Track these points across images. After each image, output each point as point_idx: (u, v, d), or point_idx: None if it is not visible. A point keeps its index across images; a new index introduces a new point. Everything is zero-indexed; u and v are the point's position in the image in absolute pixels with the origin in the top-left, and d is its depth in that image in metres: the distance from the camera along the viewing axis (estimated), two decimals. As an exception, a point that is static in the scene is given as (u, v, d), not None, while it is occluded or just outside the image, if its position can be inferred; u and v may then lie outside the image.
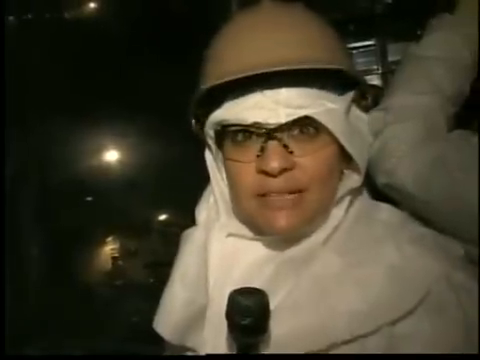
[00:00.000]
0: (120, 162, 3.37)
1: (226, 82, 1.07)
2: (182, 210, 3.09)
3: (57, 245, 3.23)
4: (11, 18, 3.16)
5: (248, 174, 1.09)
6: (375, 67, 2.81)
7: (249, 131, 1.08)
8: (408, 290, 1.03)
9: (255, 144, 1.08)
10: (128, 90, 3.06)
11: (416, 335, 1.01)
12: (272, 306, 0.98)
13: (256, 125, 1.07)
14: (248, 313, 0.89)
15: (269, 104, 1.05)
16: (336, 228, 1.12)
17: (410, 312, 1.02)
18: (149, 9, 3.11)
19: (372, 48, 2.80)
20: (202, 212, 1.22)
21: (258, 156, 1.07)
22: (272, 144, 1.06)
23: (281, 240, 1.12)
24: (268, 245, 1.13)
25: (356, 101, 1.15)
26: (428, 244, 1.08)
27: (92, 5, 3.26)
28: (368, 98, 1.17)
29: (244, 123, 1.08)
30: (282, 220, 1.07)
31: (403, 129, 1.20)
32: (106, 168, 3.38)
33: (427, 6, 1.36)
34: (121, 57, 3.06)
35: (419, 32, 1.34)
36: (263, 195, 1.08)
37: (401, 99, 1.24)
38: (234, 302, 0.90)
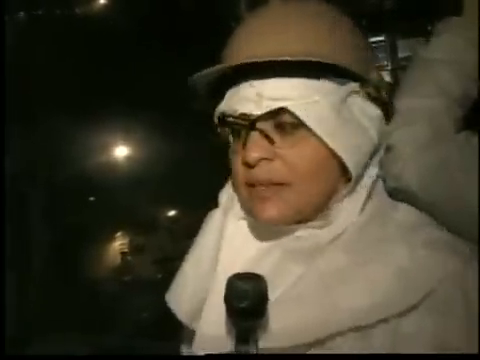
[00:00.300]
0: (128, 159, 3.38)
1: (231, 75, 1.09)
2: (190, 206, 3.10)
3: (66, 241, 3.24)
4: (21, 14, 3.16)
5: (238, 164, 1.11)
6: (385, 63, 2.80)
7: (239, 122, 1.10)
8: (412, 287, 1.03)
9: (243, 136, 1.10)
10: (136, 87, 3.07)
11: (419, 333, 1.01)
12: (275, 295, 0.99)
13: (242, 116, 1.09)
14: (245, 297, 0.91)
15: (253, 95, 1.08)
16: (348, 225, 1.11)
17: (413, 307, 1.02)
18: (157, 6, 3.12)
19: (382, 44, 2.79)
20: (224, 194, 1.23)
21: (243, 147, 1.09)
22: (253, 135, 1.08)
23: (290, 230, 1.12)
24: (277, 233, 1.14)
25: (365, 94, 1.14)
26: (441, 247, 1.08)
27: (101, 2, 3.26)
28: (381, 92, 1.16)
29: (235, 114, 1.10)
30: (266, 211, 1.10)
31: (409, 132, 1.20)
32: (114, 165, 3.38)
33: (437, 2, 1.36)
34: (129, 54, 3.07)
35: (429, 28, 1.34)
36: (251, 185, 1.10)
37: (407, 102, 1.24)
38: (232, 286, 0.94)
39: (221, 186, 1.28)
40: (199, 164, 2.96)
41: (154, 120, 3.13)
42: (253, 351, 0.88)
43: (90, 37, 3.11)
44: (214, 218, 1.21)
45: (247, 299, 0.91)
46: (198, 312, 1.14)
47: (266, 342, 0.98)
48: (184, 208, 3.23)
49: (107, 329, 3.03)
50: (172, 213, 3.31)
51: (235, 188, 1.17)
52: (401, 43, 2.79)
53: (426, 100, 1.23)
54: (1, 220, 2.50)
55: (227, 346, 1.01)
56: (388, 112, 1.18)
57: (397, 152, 1.19)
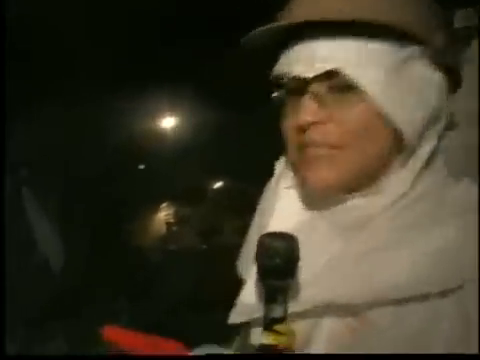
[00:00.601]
0: (175, 130, 3.38)
1: (286, 36, 1.07)
2: (236, 178, 3.09)
3: (112, 210, 3.27)
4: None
5: (290, 128, 1.09)
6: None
7: (292, 85, 1.08)
8: (453, 269, 0.99)
9: (296, 98, 1.08)
10: (182, 57, 3.05)
11: (452, 321, 0.97)
12: (317, 264, 0.97)
13: (295, 79, 1.07)
14: (275, 255, 0.90)
15: (305, 57, 1.05)
16: (398, 199, 1.08)
17: (451, 291, 0.98)
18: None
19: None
20: (280, 162, 1.22)
21: (296, 110, 1.07)
22: (306, 98, 1.05)
23: (338, 200, 1.09)
24: (325, 203, 1.11)
25: (426, 59, 1.09)
26: None
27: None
28: (446, 57, 1.11)
29: (288, 77, 1.07)
30: (316, 176, 1.06)
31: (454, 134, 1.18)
32: (161, 136, 3.39)
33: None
34: (175, 22, 3.05)
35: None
36: (304, 147, 1.08)
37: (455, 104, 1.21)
38: (263, 244, 0.93)
39: (269, 158, 1.26)
40: (247, 136, 2.94)
41: (201, 91, 3.12)
42: (281, 312, 0.87)
43: (136, 6, 3.09)
44: (269, 186, 1.21)
45: (277, 257, 0.89)
46: None
47: (297, 305, 0.95)
48: (230, 180, 3.23)
49: (150, 297, 3.06)
50: (218, 185, 3.31)
51: (287, 154, 1.15)
52: (457, 14, 2.71)
53: (462, 101, 1.20)
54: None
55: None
56: (453, 79, 1.13)
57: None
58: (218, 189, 3.26)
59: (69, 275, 2.97)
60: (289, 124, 1.08)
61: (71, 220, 3.13)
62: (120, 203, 3.23)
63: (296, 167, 1.11)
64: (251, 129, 2.77)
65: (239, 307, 1.10)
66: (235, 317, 1.09)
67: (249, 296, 1.08)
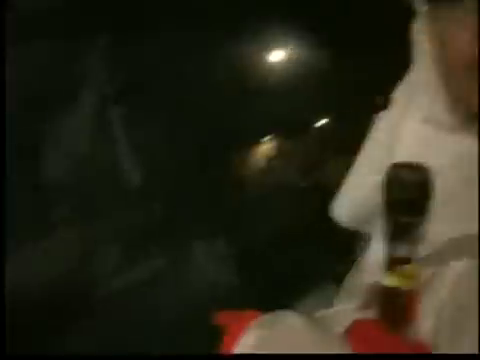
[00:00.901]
0: (283, 63, 3.33)
1: None
2: (343, 115, 3.03)
3: (215, 140, 3.27)
4: None
5: (460, 36, 0.99)
6: None
7: None
8: None
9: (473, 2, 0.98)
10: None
11: None
12: (457, 209, 0.91)
13: None
14: (406, 187, 0.81)
15: None
16: None
17: None
18: None
19: None
20: (398, 93, 1.14)
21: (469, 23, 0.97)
22: None
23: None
24: (468, 139, 1.03)
25: None
26: None
27: None
28: None
29: None
30: None
31: None
32: (268, 69, 3.35)
33: None
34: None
35: None
36: (476, 68, 0.98)
37: None
38: (393, 175, 0.85)
39: (379, 93, 1.20)
40: (356, 74, 2.86)
41: (314, 26, 3.04)
42: (407, 251, 0.80)
43: None
44: (386, 118, 1.12)
45: (408, 190, 0.81)
46: (366, 219, 1.08)
47: (425, 245, 0.90)
48: (336, 117, 3.17)
49: (245, 228, 3.08)
50: (322, 122, 3.26)
51: (444, 73, 1.05)
52: None
53: None
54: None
55: None
56: None
57: None
58: (322, 126, 3.21)
59: (165, 199, 3.01)
60: (457, 33, 0.99)
61: (173, 149, 3.16)
62: (223, 134, 3.23)
63: (455, 90, 1.02)
64: (361, 67, 2.70)
65: (366, 266, 1.04)
66: (365, 276, 1.02)
67: (377, 253, 1.00)
